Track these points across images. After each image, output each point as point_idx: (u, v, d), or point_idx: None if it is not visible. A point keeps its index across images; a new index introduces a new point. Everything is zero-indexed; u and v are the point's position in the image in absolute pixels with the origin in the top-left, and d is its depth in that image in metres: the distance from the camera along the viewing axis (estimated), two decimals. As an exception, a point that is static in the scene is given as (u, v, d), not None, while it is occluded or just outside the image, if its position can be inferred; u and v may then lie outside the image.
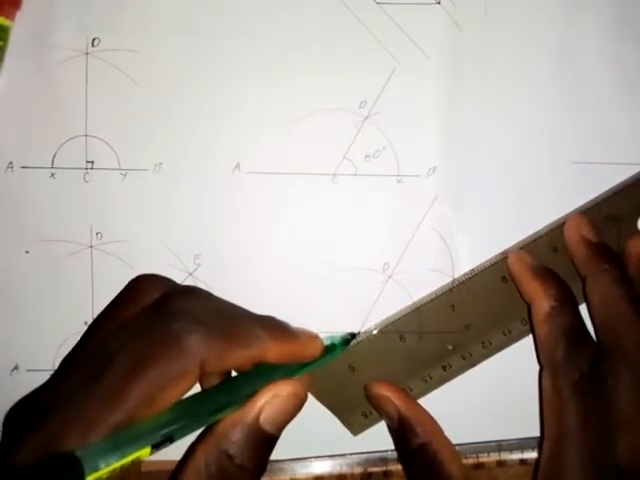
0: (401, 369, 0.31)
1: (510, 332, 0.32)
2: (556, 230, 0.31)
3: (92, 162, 0.33)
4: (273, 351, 0.26)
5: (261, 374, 0.26)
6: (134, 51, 0.33)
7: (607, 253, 0.30)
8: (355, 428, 0.32)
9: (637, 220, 0.31)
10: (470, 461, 0.33)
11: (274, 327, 0.27)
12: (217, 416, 0.25)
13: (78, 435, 0.22)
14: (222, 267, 0.33)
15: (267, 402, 0.26)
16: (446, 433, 0.30)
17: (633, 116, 0.33)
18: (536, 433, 0.31)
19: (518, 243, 0.32)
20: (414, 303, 0.32)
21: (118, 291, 0.33)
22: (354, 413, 0.32)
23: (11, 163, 0.33)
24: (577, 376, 0.28)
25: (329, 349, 0.29)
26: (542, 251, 0.31)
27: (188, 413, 0.24)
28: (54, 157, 0.33)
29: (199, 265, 0.33)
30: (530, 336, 0.31)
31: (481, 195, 0.33)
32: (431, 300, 0.31)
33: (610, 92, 0.33)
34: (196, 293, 0.27)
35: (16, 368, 0.33)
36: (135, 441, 0.23)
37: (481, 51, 0.33)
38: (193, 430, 0.25)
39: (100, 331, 0.27)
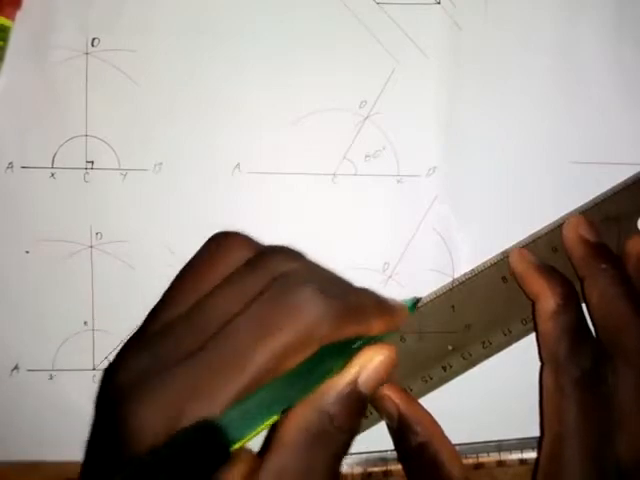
0: (401, 369, 0.31)
1: (510, 332, 0.31)
2: (556, 230, 0.31)
3: (92, 162, 0.33)
4: (376, 326, 0.26)
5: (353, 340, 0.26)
6: (134, 51, 0.33)
7: (605, 253, 0.30)
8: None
9: (637, 220, 0.31)
10: (470, 461, 0.33)
11: (379, 302, 0.26)
12: (321, 382, 0.25)
13: (204, 403, 0.22)
14: (222, 267, 0.33)
15: (365, 365, 0.25)
16: (446, 433, 0.30)
17: (633, 116, 0.33)
18: (536, 433, 0.31)
19: (518, 243, 0.32)
20: (414, 303, 0.32)
21: (118, 291, 0.33)
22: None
23: (11, 163, 0.33)
24: (579, 373, 0.28)
25: None
26: (542, 251, 0.31)
27: (301, 381, 0.24)
28: (54, 157, 0.33)
29: (199, 265, 0.33)
30: (530, 336, 0.31)
31: (481, 195, 0.33)
32: (431, 300, 0.31)
33: (610, 92, 0.33)
34: (301, 256, 0.27)
35: (16, 368, 0.33)
36: (265, 409, 0.22)
37: (481, 51, 0.33)
38: (303, 397, 0.24)
39: (192, 290, 0.26)
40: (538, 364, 0.31)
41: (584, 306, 0.30)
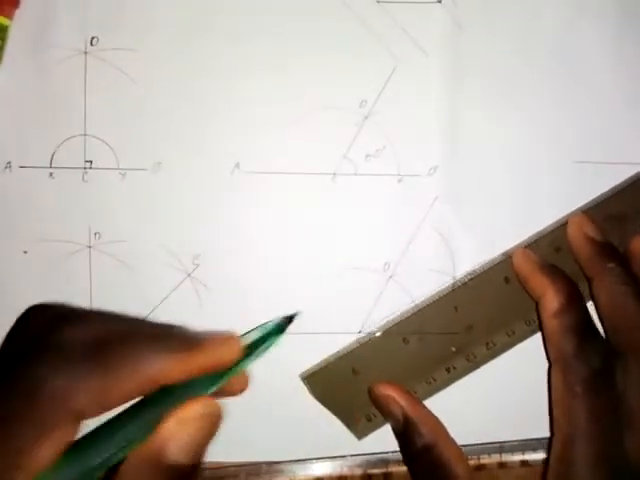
0: (405, 372, 0.31)
1: (514, 333, 0.31)
2: (558, 230, 0.31)
3: (91, 162, 0.33)
4: (176, 369, 0.21)
5: (169, 393, 0.22)
6: (133, 50, 0.33)
7: (611, 252, 0.30)
8: (359, 432, 0.32)
9: None
10: (471, 462, 0.33)
11: (171, 341, 0.22)
12: (122, 454, 0.21)
13: None
14: (221, 267, 0.33)
15: (174, 431, 0.21)
16: (448, 434, 0.30)
17: (635, 115, 0.33)
18: (538, 434, 0.31)
19: (520, 243, 0.32)
20: (416, 305, 0.32)
21: (117, 291, 0.33)
22: (358, 417, 0.32)
23: (9, 163, 0.33)
24: (588, 372, 0.28)
25: (261, 341, 0.25)
26: (544, 251, 0.31)
27: (83, 461, 0.20)
28: (52, 157, 0.33)
29: (198, 265, 0.33)
30: (533, 337, 0.31)
31: (482, 195, 0.33)
32: (434, 302, 0.31)
33: (612, 91, 0.33)
34: (73, 319, 0.22)
35: (14, 369, 0.33)
36: None
37: (481, 50, 0.33)
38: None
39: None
40: (540, 365, 0.31)
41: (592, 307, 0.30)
